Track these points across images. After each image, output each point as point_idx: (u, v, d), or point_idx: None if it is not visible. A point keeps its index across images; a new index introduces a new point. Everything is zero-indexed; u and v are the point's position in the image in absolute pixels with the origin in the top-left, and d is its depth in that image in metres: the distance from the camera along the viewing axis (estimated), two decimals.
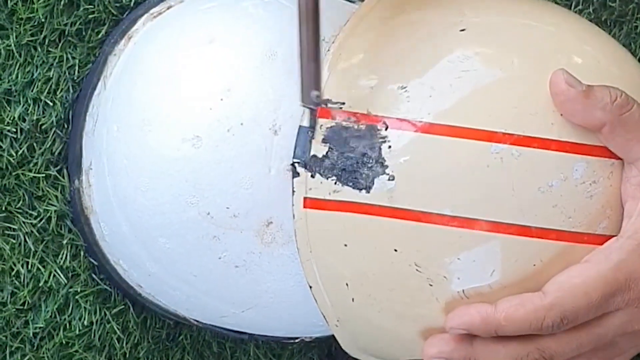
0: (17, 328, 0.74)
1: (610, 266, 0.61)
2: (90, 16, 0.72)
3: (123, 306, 0.74)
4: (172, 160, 0.66)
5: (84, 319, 0.74)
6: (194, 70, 0.67)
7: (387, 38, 0.64)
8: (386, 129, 0.62)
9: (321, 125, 0.63)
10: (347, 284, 0.64)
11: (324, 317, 0.65)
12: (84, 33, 0.73)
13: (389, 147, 0.62)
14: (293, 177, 0.63)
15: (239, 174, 0.65)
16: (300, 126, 0.63)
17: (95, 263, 0.73)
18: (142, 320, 0.75)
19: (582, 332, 0.62)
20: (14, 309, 0.74)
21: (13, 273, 0.73)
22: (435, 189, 0.61)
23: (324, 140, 0.63)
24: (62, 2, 0.72)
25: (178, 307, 0.71)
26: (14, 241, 0.73)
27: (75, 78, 0.72)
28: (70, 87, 0.72)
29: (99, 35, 0.72)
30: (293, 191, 0.63)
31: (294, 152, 0.63)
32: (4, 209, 0.73)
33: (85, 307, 0.74)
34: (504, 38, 0.64)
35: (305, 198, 0.63)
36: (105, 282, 0.74)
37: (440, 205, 0.61)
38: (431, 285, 0.62)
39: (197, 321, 0.72)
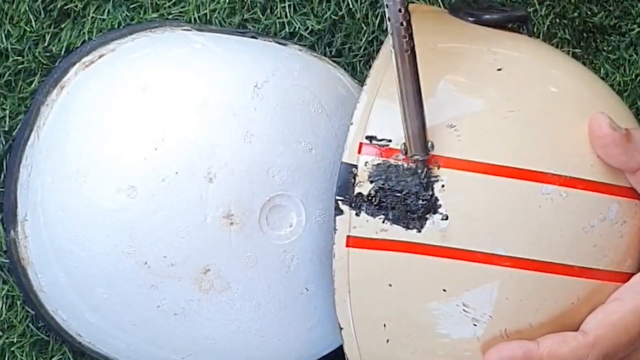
0: None
1: None
2: (20, 67, 0.72)
3: (61, 355, 0.74)
4: (107, 211, 0.66)
5: None
6: (127, 120, 0.67)
7: (427, 73, 0.63)
8: (439, 168, 0.62)
9: (366, 162, 0.62)
10: (384, 325, 0.63)
11: (347, 359, 0.65)
12: (13, 84, 0.72)
13: (442, 186, 0.62)
14: (335, 215, 0.62)
15: (175, 223, 0.65)
16: (342, 162, 0.62)
17: (33, 313, 0.72)
18: None
19: None
20: None
21: None
22: (489, 228, 0.62)
23: (370, 178, 0.62)
24: None
25: (119, 354, 0.71)
26: None
27: (6, 129, 0.72)
28: (2, 139, 0.72)
29: (31, 86, 0.72)
30: (335, 229, 0.62)
31: (336, 189, 0.62)
32: None
33: (21, 358, 0.73)
34: (534, 78, 0.65)
35: (348, 236, 0.62)
36: (43, 331, 0.73)
37: (493, 245, 0.61)
38: (475, 324, 0.62)
39: None
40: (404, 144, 0.62)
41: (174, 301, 0.66)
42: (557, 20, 0.80)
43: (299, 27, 0.75)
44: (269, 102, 0.67)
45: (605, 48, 0.81)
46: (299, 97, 0.68)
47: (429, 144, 0.62)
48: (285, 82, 0.69)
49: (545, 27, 0.79)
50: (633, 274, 0.64)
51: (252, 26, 0.75)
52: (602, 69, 0.80)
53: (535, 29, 0.79)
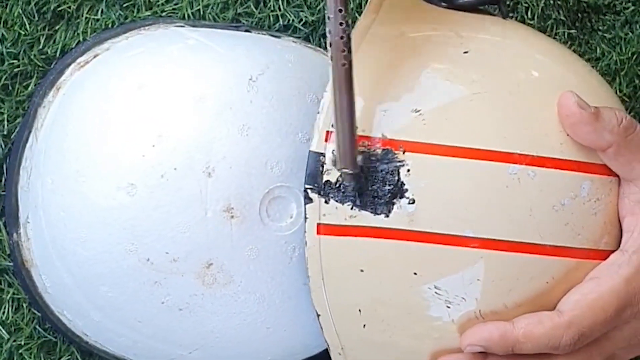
0: None
1: (620, 280, 0.63)
2: (16, 70, 0.72)
3: (69, 356, 0.74)
4: (108, 209, 0.66)
5: None
6: (124, 118, 0.67)
7: (393, 59, 0.64)
8: (404, 153, 0.62)
9: (333, 150, 0.63)
10: (359, 310, 0.64)
11: (328, 345, 0.65)
12: (10, 87, 0.73)
13: (408, 170, 0.62)
14: (305, 204, 0.63)
15: (176, 219, 0.66)
16: (310, 151, 0.63)
17: (39, 314, 0.73)
18: None
19: (594, 348, 0.63)
20: None
21: None
22: (456, 211, 0.62)
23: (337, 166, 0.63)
24: None
25: (125, 352, 0.71)
26: None
27: (5, 133, 0.72)
28: (1, 142, 0.72)
29: (28, 89, 0.73)
30: (305, 218, 0.63)
31: (305, 178, 0.63)
32: None
33: None
34: (505, 60, 0.65)
35: (319, 224, 0.63)
36: (50, 332, 0.74)
37: (462, 227, 0.62)
38: (449, 307, 0.63)
39: None
40: (333, 154, 0.62)
41: (178, 297, 0.67)
42: (551, 1, 0.80)
43: (293, 19, 0.75)
44: (265, 95, 0.68)
45: (600, 27, 0.81)
46: (294, 88, 0.69)
47: (359, 158, 0.62)
48: (280, 74, 0.69)
49: (540, 9, 0.79)
50: (612, 251, 0.64)
51: (246, 20, 0.75)
52: (598, 48, 0.80)
53: (529, 12, 0.79)
